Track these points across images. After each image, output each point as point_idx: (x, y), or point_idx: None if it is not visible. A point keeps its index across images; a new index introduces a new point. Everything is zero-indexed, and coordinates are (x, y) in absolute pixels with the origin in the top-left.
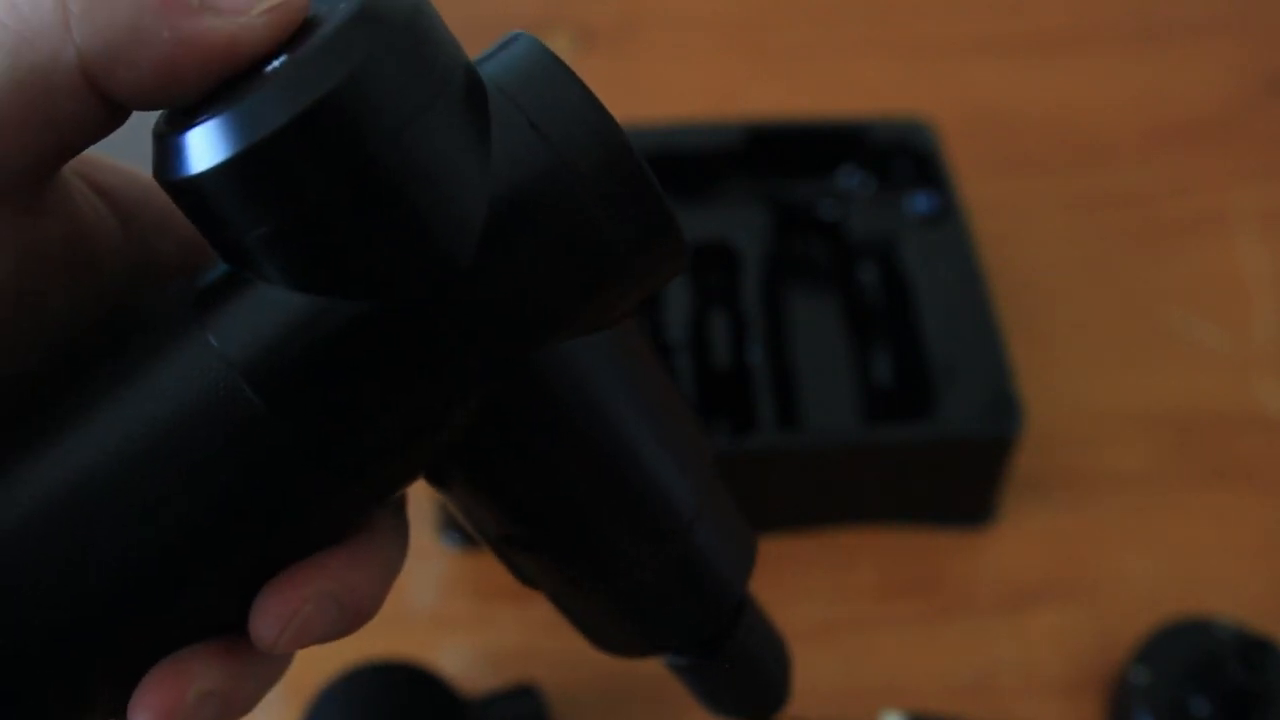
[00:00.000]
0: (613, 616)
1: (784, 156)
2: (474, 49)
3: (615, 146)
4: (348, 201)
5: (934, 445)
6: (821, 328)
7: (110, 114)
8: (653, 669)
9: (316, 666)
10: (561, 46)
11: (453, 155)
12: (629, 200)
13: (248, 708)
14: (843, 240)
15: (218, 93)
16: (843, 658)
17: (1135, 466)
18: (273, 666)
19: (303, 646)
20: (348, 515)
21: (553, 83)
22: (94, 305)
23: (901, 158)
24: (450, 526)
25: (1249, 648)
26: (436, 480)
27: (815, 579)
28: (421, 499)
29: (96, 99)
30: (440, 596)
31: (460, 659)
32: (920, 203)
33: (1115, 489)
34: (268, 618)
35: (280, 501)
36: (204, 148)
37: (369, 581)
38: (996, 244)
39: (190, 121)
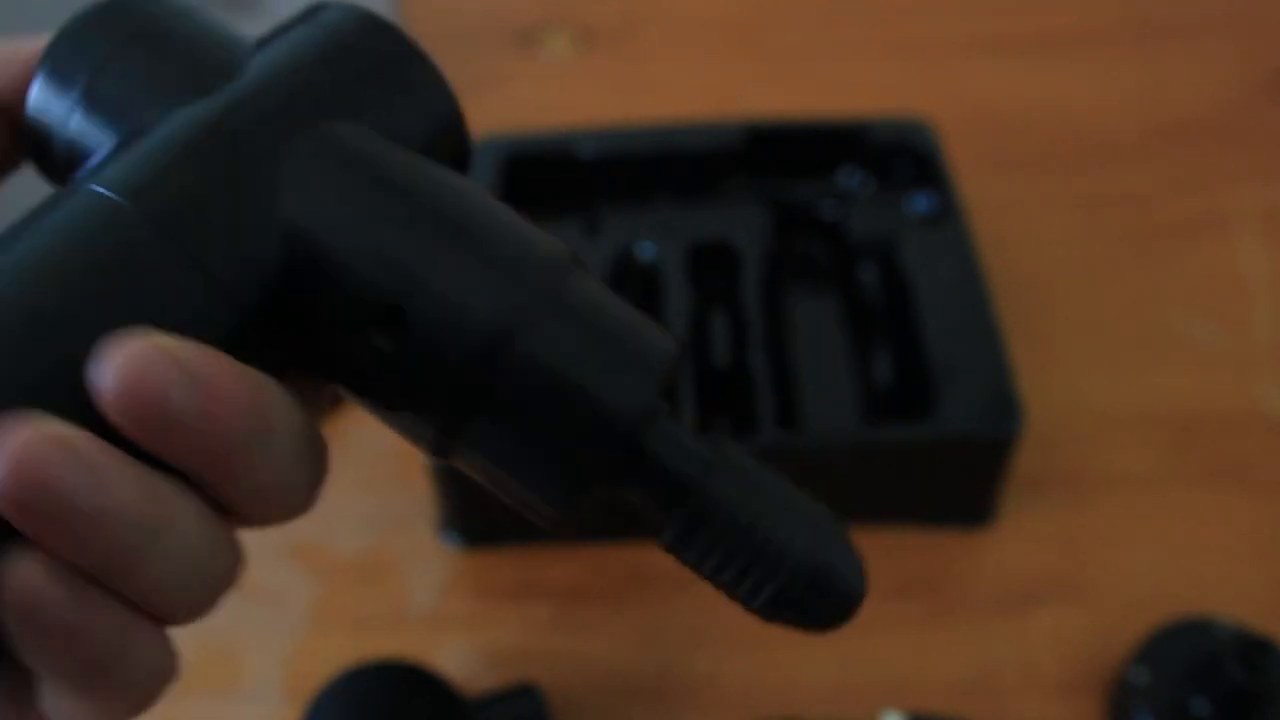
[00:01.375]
0: (508, 467)
1: (784, 156)
2: (474, 49)
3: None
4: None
5: (934, 445)
6: (821, 328)
7: (8, 130)
8: (653, 670)
9: (317, 667)
10: (561, 46)
11: None
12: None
13: None
14: (843, 240)
15: None
16: (843, 658)
17: (1135, 466)
18: None
19: (144, 413)
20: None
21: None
22: None
23: (901, 158)
24: (450, 526)
25: (1249, 648)
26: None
27: None
28: (422, 500)
29: None
30: (440, 596)
31: (460, 659)
32: (920, 203)
33: (1115, 489)
34: (103, 359)
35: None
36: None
37: (236, 381)
38: (996, 244)
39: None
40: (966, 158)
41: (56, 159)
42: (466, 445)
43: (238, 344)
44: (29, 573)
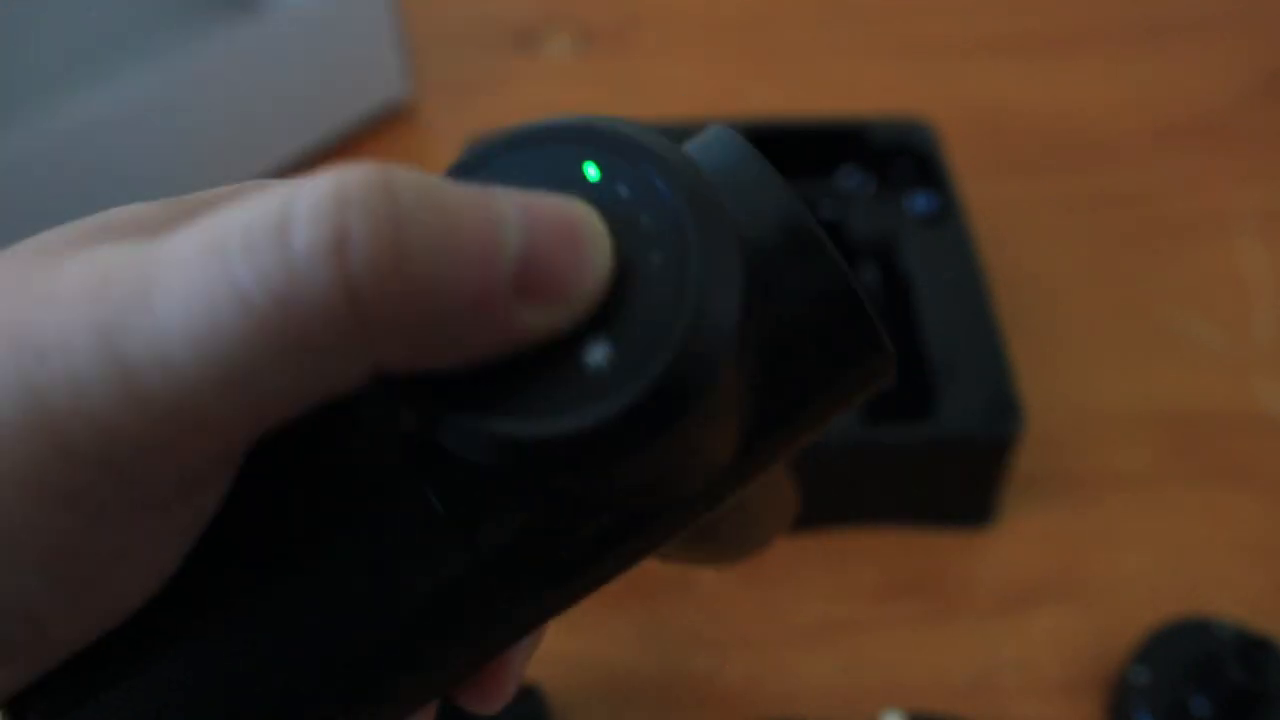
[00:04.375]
0: None
1: (784, 156)
2: (474, 50)
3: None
4: (656, 458)
5: (934, 445)
6: None
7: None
8: (653, 670)
9: None
10: (561, 46)
11: (739, 388)
12: (840, 321)
13: None
14: (843, 240)
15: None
16: (843, 658)
17: (1135, 466)
18: None
19: None
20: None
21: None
22: None
23: (901, 158)
24: None
25: (1249, 648)
26: None
27: (815, 579)
28: None
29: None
30: None
31: None
32: (920, 203)
33: (1115, 489)
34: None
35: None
36: (500, 448)
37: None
38: (996, 244)
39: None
40: (966, 158)
41: None
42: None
43: None
44: None
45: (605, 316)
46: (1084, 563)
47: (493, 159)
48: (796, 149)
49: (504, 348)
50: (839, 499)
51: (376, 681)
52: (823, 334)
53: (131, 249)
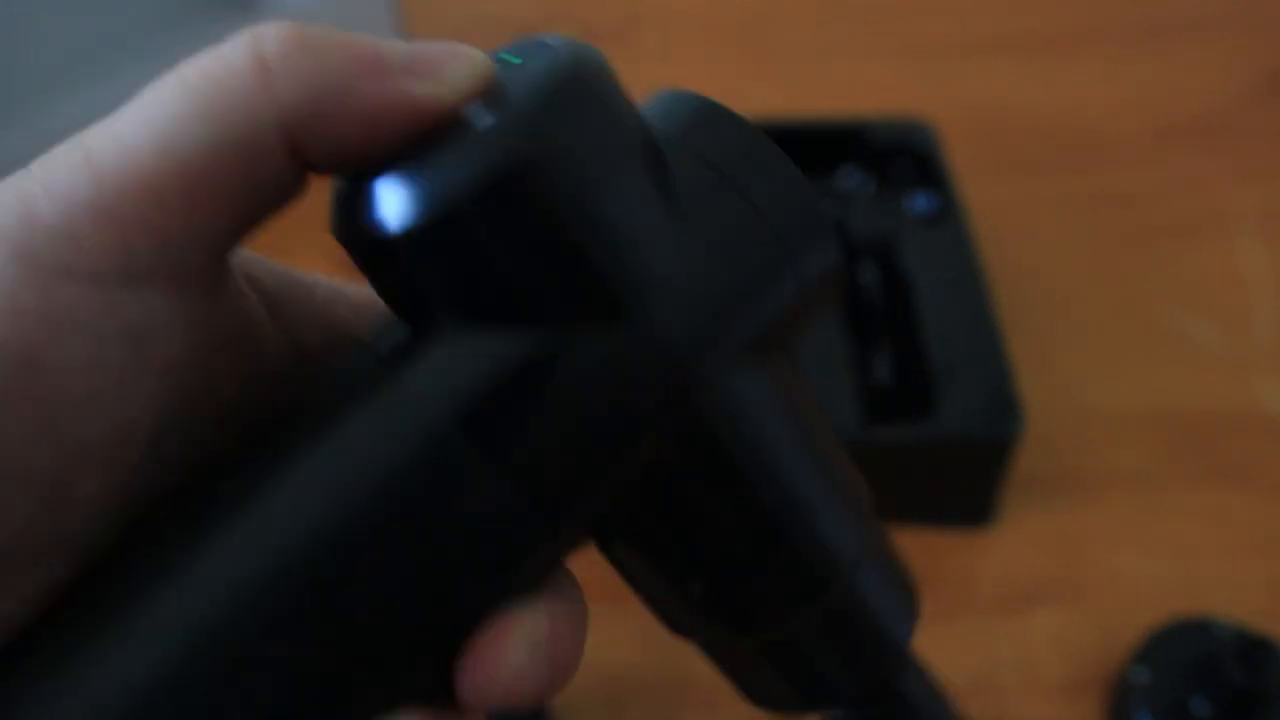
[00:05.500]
0: (768, 672)
1: None
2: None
3: (787, 175)
4: (546, 255)
5: (934, 445)
6: (821, 327)
7: (299, 179)
8: (653, 670)
9: None
10: None
11: (642, 201)
12: (799, 220)
13: None
14: (843, 240)
15: (407, 152)
16: None
17: (1135, 467)
18: None
19: (510, 704)
20: (547, 562)
21: (718, 122)
22: (259, 396)
23: (901, 158)
24: None
25: (1249, 648)
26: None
27: None
28: None
29: (292, 163)
30: None
31: None
32: (920, 203)
33: (1115, 489)
34: (478, 671)
35: (489, 550)
36: (402, 208)
37: (570, 631)
38: (996, 244)
39: (382, 179)
40: (966, 158)
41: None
42: (762, 651)
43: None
44: None
45: (491, 103)
46: (1084, 563)
47: None
48: (796, 149)
49: (401, 118)
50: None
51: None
52: (770, 209)
53: None
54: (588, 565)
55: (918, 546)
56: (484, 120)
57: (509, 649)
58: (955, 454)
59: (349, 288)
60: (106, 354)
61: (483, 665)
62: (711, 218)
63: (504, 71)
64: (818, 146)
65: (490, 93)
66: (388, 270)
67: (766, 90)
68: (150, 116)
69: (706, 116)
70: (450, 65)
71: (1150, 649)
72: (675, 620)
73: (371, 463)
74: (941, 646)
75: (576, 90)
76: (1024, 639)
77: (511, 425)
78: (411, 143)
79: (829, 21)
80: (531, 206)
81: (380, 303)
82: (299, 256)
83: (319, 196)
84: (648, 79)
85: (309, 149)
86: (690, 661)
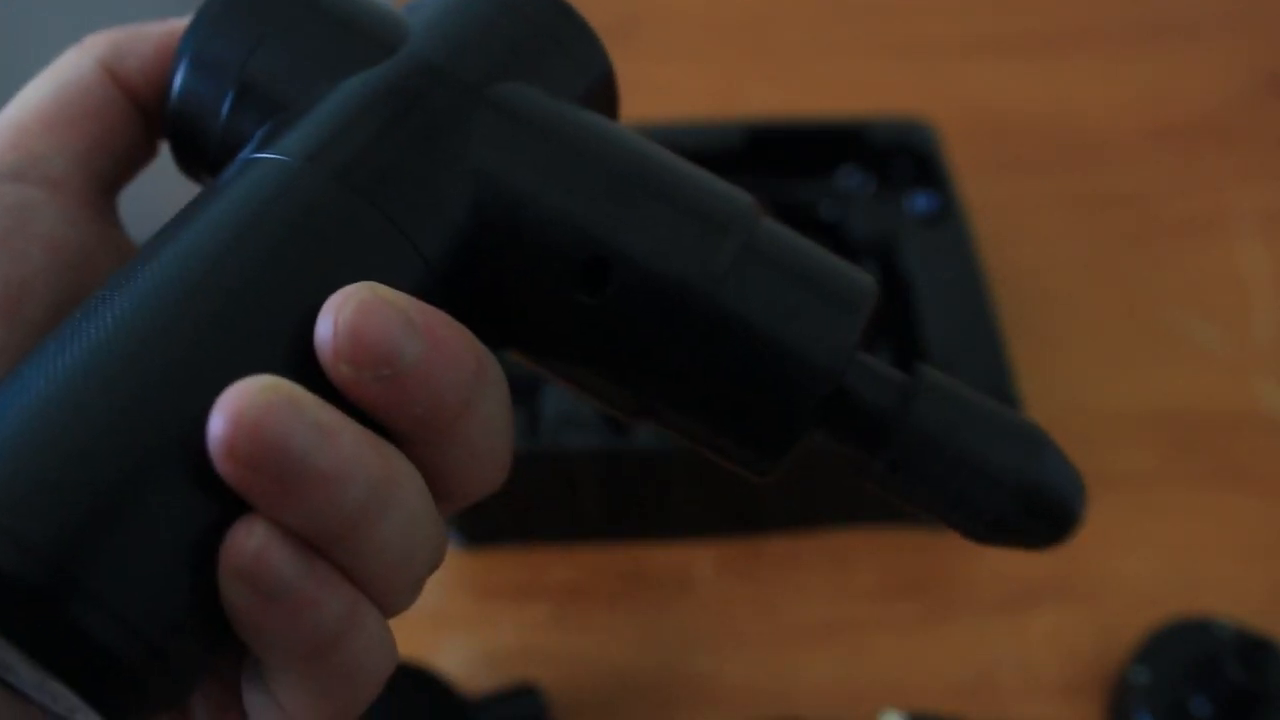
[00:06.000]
0: (728, 382)
1: (784, 156)
2: None
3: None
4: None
5: None
6: None
7: (140, 118)
8: (653, 670)
9: None
10: None
11: None
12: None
13: None
14: (843, 240)
15: None
16: (843, 658)
17: (1135, 466)
18: None
19: (371, 360)
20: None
21: None
22: None
23: (901, 158)
24: (451, 526)
25: (1249, 648)
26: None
27: (815, 579)
28: None
29: (121, 95)
30: (440, 596)
31: (460, 659)
32: (920, 203)
33: (1115, 489)
34: (328, 311)
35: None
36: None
37: (457, 332)
38: (996, 244)
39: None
40: (966, 158)
41: (208, 150)
42: (671, 404)
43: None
44: (261, 538)
45: None
46: (1084, 563)
47: None
48: (796, 149)
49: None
50: (839, 499)
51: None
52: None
53: None
54: (588, 565)
55: (918, 546)
56: None
57: (361, 289)
58: None
59: None
60: None
61: (332, 303)
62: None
63: None
64: (817, 146)
65: None
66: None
67: (766, 90)
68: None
69: None
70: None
71: (1150, 649)
72: (611, 395)
73: (238, 200)
74: (941, 646)
75: None
76: (1023, 639)
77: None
78: None
79: (829, 21)
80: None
81: None
82: None
83: None
84: (648, 79)
85: (126, 78)
86: (690, 661)
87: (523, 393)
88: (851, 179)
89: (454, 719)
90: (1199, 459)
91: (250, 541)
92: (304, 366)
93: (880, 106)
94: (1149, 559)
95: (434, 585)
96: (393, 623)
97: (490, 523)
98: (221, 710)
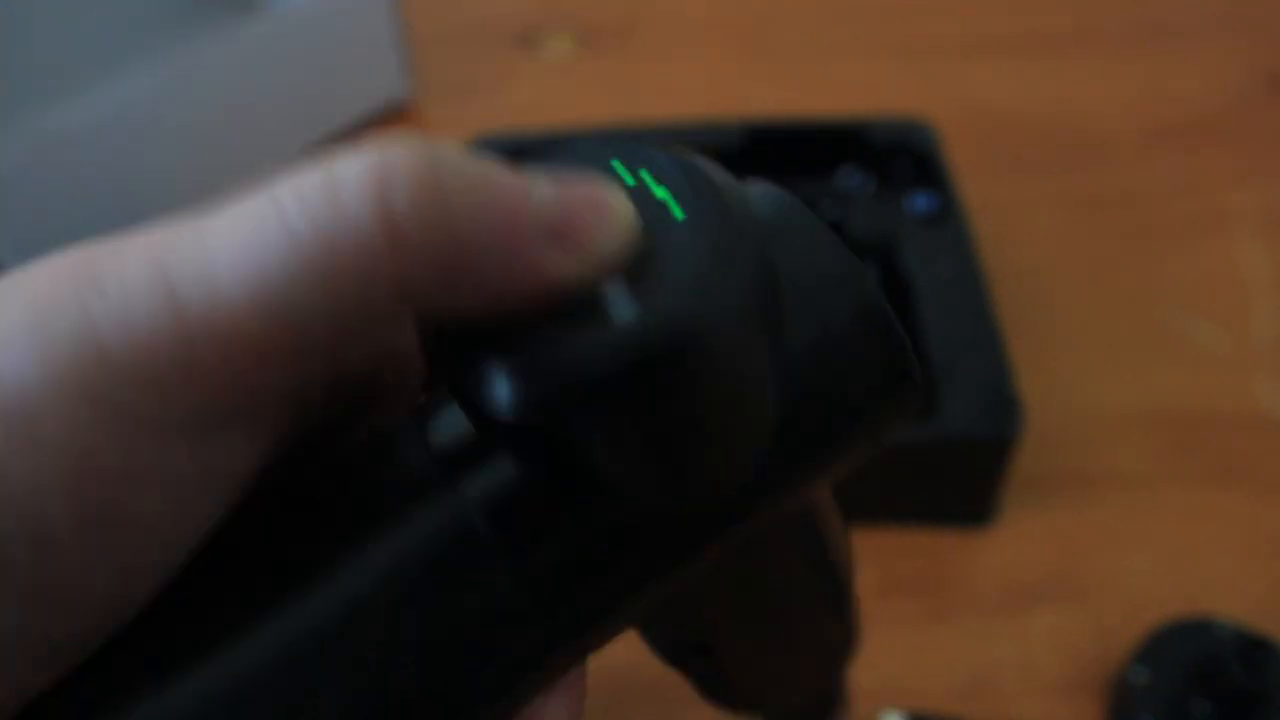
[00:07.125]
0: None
1: (784, 156)
2: (475, 49)
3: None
4: (657, 448)
5: (934, 445)
6: None
7: (402, 329)
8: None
9: None
10: (562, 47)
11: (758, 385)
12: (882, 360)
13: None
14: (843, 240)
15: (527, 328)
16: None
17: (1135, 466)
18: None
19: None
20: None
21: (818, 257)
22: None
23: (901, 158)
24: None
25: (1249, 648)
26: None
27: None
28: None
29: (401, 319)
30: None
31: None
32: (920, 203)
33: (1115, 489)
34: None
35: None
36: (516, 396)
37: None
38: (996, 244)
39: (498, 362)
40: (966, 158)
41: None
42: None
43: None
44: None
45: (632, 280)
46: (1084, 563)
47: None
48: (796, 149)
49: (531, 294)
50: (839, 499)
51: None
52: (855, 353)
53: (190, 218)
54: None
55: (918, 546)
56: (622, 309)
57: None
58: (955, 454)
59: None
60: (185, 498)
61: None
62: (802, 369)
63: (640, 209)
64: (817, 146)
65: (633, 268)
66: (492, 434)
67: (766, 90)
68: (251, 266)
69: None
70: (595, 232)
71: (1150, 649)
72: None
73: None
74: (941, 646)
75: (733, 277)
76: (1024, 639)
77: (569, 577)
78: (534, 315)
79: (829, 21)
80: (654, 404)
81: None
82: None
83: None
84: (648, 79)
85: (423, 308)
86: None
87: None
88: (851, 179)
89: None
90: (1199, 459)
91: None
92: None
93: (880, 106)
94: (1149, 559)
95: None
96: None
97: None
98: None
